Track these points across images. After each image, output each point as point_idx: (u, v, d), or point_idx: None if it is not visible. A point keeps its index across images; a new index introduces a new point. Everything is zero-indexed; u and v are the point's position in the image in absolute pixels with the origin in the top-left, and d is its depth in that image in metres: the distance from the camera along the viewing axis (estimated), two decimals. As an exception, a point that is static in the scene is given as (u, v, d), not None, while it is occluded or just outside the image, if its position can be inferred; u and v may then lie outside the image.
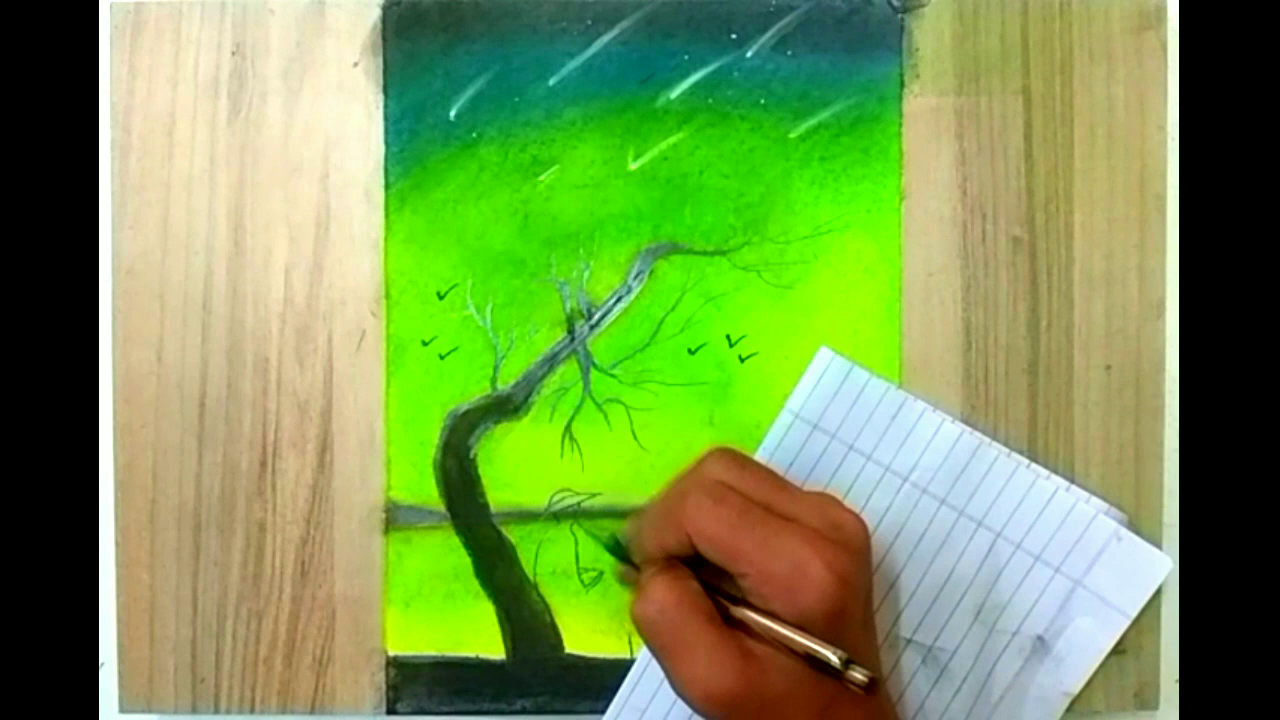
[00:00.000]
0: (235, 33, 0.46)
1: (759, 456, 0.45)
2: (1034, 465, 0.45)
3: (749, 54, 0.46)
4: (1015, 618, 0.44)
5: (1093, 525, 0.44)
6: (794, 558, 0.38)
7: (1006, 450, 0.45)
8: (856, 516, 0.40)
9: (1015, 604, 0.44)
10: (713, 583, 0.40)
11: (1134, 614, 0.44)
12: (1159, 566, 0.44)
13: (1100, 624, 0.44)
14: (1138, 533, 0.44)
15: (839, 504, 0.41)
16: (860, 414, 0.45)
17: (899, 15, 0.45)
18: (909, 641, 0.44)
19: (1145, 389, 0.45)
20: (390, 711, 0.46)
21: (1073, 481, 0.45)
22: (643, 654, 0.45)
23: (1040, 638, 0.44)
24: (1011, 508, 0.44)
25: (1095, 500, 0.44)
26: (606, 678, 0.45)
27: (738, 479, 0.41)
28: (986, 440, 0.45)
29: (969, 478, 0.44)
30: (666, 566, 0.40)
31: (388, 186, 0.46)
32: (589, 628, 0.46)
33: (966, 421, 0.45)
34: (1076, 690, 0.44)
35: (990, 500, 0.44)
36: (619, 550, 0.43)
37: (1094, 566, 0.44)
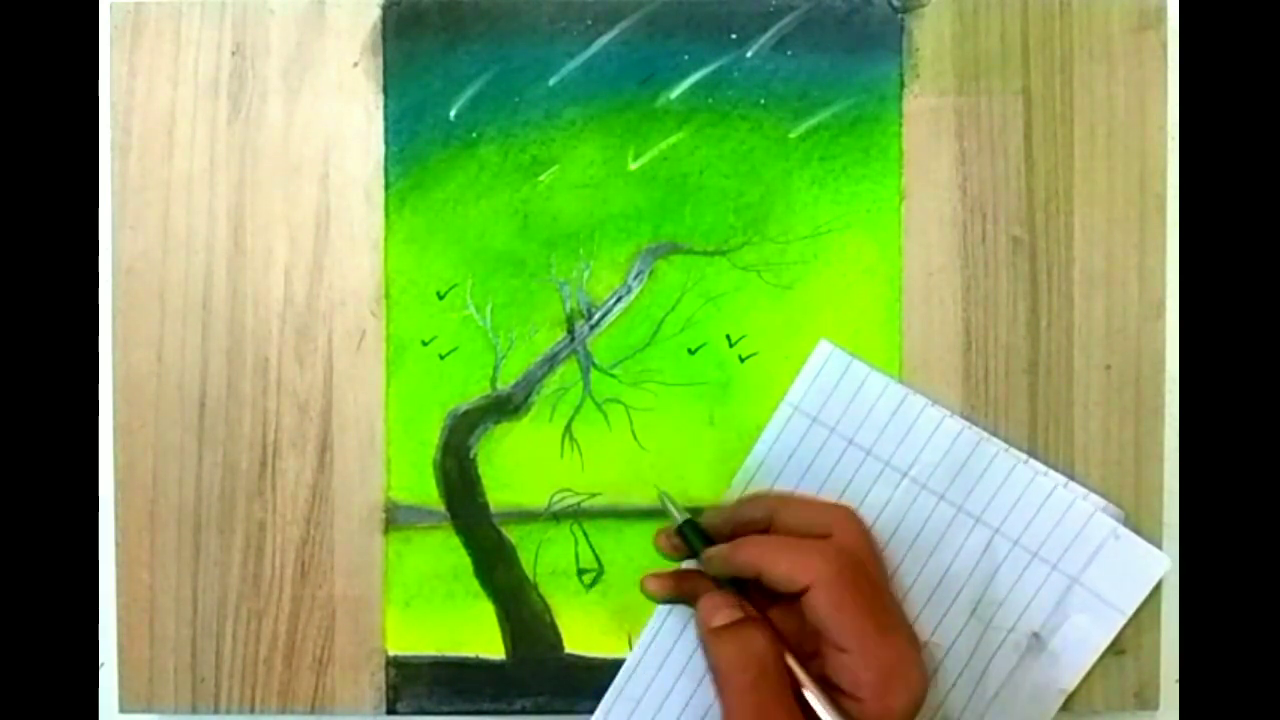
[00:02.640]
0: (235, 33, 0.46)
1: (757, 449, 0.45)
2: (1032, 461, 0.45)
3: (749, 54, 0.46)
4: (1012, 614, 0.44)
5: (1091, 522, 0.44)
6: (904, 656, 0.38)
7: (1005, 446, 0.45)
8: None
9: (1012, 600, 0.44)
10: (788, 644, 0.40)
11: (1130, 611, 0.44)
12: (1156, 565, 0.44)
13: (1096, 621, 0.44)
14: (1137, 532, 0.44)
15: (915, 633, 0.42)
16: (860, 408, 0.45)
17: (899, 15, 0.45)
18: (908, 640, 0.44)
19: (1145, 389, 0.45)
20: (390, 711, 0.46)
21: (1072, 478, 0.45)
22: (638, 646, 0.45)
23: (1036, 634, 0.44)
24: (1010, 504, 0.44)
25: (1094, 497, 0.44)
26: (606, 678, 0.45)
27: (869, 559, 0.41)
28: (986, 436, 0.45)
29: (968, 474, 0.44)
30: (760, 619, 0.40)
31: (388, 186, 0.46)
32: (589, 628, 0.46)
33: (966, 421, 0.45)
34: (1072, 687, 0.44)
35: (989, 496, 0.44)
36: (694, 536, 0.42)
37: (1091, 564, 0.44)
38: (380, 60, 0.46)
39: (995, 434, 0.45)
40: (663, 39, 0.46)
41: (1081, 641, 0.44)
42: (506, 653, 0.46)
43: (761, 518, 0.42)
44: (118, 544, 0.45)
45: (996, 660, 0.44)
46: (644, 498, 0.46)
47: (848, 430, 0.45)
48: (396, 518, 0.46)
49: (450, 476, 0.46)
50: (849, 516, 0.42)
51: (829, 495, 0.45)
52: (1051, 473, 0.45)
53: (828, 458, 0.45)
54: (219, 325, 0.46)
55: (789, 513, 0.42)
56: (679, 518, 0.43)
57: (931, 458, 0.44)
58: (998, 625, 0.44)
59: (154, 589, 0.45)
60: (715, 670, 0.40)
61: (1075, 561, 0.44)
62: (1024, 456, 0.45)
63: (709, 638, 0.40)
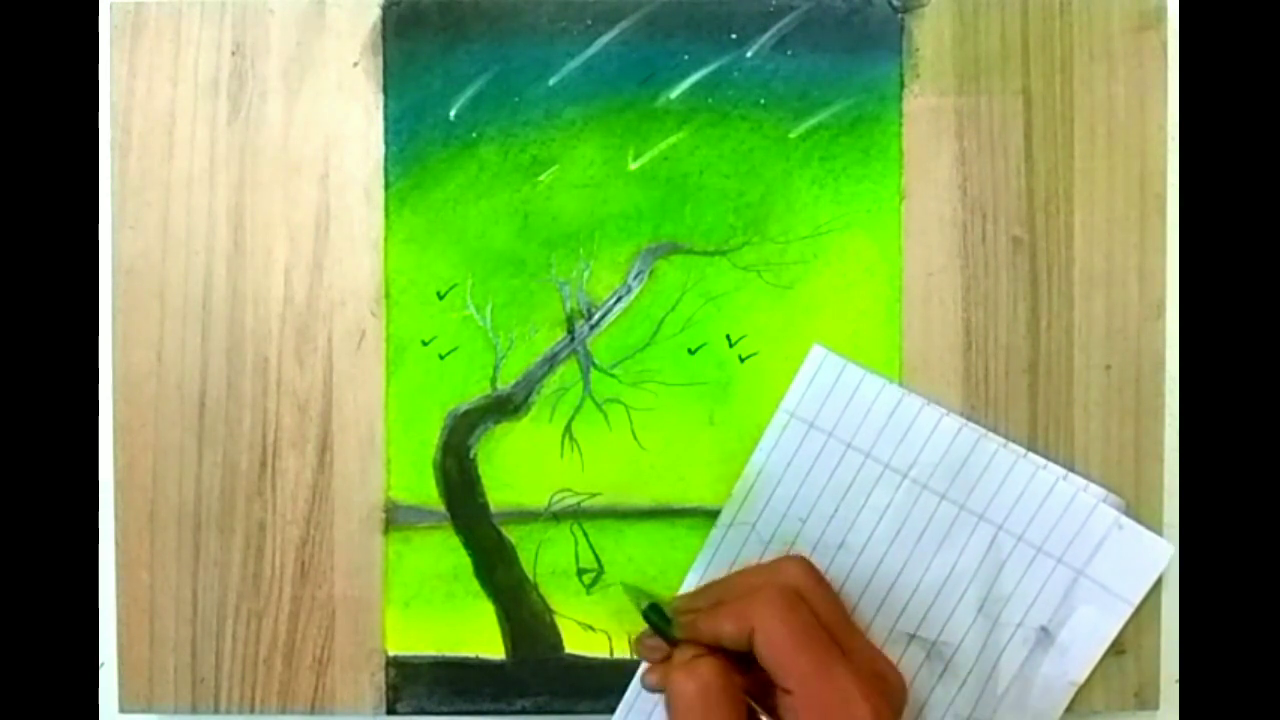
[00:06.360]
0: (235, 33, 0.46)
1: (755, 457, 0.45)
2: (1031, 455, 0.45)
3: (749, 54, 0.46)
4: (1019, 610, 0.44)
5: (1094, 514, 0.44)
6: (845, 692, 0.38)
7: (1004, 442, 0.45)
8: (899, 674, 0.42)
9: (1018, 596, 0.44)
10: (750, 691, 0.40)
11: (1136, 601, 0.44)
12: (1161, 553, 0.44)
13: (1103, 612, 0.44)
14: (1137, 530, 0.44)
15: (885, 657, 0.42)
16: (857, 411, 0.45)
17: (899, 15, 0.45)
18: (912, 637, 0.44)
19: (1145, 389, 0.45)
20: (390, 711, 0.46)
21: (1072, 472, 0.45)
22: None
23: (1044, 628, 0.44)
24: (1012, 500, 0.44)
25: (1095, 489, 0.44)
26: (606, 678, 0.45)
27: (811, 593, 0.41)
28: (984, 433, 0.45)
29: (969, 472, 0.44)
30: (715, 652, 0.40)
31: (388, 186, 0.46)
32: (589, 628, 0.46)
33: (965, 419, 0.45)
34: (1082, 679, 0.44)
35: (990, 494, 0.44)
36: (658, 618, 0.41)
37: (1095, 555, 0.44)
38: (380, 60, 0.46)
39: (995, 434, 0.45)
40: (663, 39, 0.46)
41: (1089, 634, 0.44)
42: (506, 653, 0.46)
43: (720, 592, 0.42)
44: (118, 544, 0.45)
45: (1006, 656, 0.44)
46: (644, 498, 0.46)
47: (845, 434, 0.45)
48: (396, 518, 0.46)
49: (450, 476, 0.46)
50: (791, 560, 0.43)
51: (829, 500, 0.45)
52: (1051, 465, 0.45)
53: (826, 463, 0.45)
54: (219, 325, 0.46)
55: (740, 577, 0.43)
56: (642, 605, 0.42)
57: (931, 457, 0.44)
58: (1005, 621, 0.44)
59: (154, 589, 0.45)
60: (669, 704, 0.39)
61: (1079, 554, 0.44)
62: (1023, 451, 0.45)
63: (668, 676, 0.40)
